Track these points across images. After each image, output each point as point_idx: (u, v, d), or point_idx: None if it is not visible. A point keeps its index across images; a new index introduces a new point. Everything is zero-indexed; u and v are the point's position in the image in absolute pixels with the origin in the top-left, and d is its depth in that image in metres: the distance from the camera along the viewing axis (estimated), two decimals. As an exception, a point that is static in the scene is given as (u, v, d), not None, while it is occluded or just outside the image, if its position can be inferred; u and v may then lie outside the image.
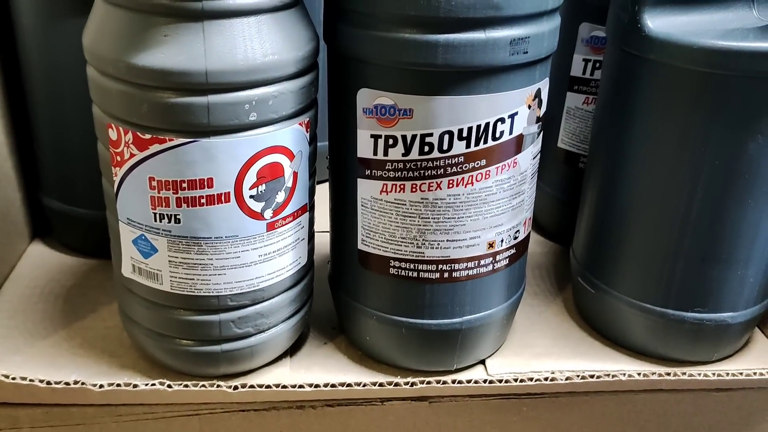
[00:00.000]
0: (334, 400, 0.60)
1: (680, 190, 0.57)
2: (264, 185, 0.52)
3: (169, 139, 0.49)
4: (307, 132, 0.54)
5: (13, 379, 0.56)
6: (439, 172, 0.53)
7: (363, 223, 0.57)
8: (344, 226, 0.59)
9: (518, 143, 0.55)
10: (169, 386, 0.57)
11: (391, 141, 0.53)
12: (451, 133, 0.52)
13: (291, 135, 0.52)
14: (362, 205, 0.57)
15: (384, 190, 0.55)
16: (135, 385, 0.57)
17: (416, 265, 0.57)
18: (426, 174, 0.54)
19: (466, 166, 0.53)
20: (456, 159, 0.53)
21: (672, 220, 0.59)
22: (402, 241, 0.56)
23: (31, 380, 0.56)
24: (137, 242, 0.54)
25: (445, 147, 0.53)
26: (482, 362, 0.63)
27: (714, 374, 0.61)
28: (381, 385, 0.59)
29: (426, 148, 0.53)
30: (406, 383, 0.59)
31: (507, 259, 0.59)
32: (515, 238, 0.59)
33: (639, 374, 0.61)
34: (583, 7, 0.71)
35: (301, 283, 0.60)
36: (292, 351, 0.63)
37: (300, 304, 0.61)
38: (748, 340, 0.66)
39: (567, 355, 0.64)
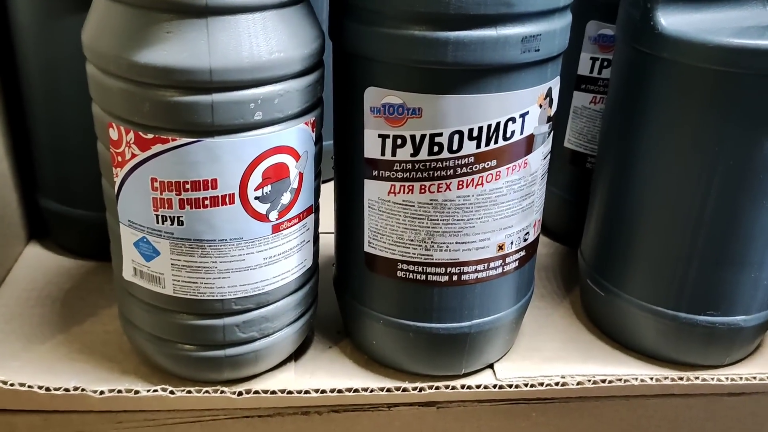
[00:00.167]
0: (341, 406, 0.59)
1: (693, 191, 0.56)
2: (269, 186, 0.51)
3: (172, 139, 0.48)
4: (313, 132, 0.53)
5: (12, 385, 0.55)
6: (448, 173, 0.52)
7: (370, 225, 0.56)
8: (350, 228, 0.58)
9: (529, 143, 0.54)
10: (172, 392, 0.56)
11: (399, 141, 0.52)
12: (461, 133, 0.51)
13: (297, 135, 0.51)
14: (369, 207, 0.55)
15: (392, 191, 0.54)
16: (137, 392, 0.56)
17: (424, 267, 0.56)
18: (435, 175, 0.52)
19: (476, 167, 0.52)
20: (466, 159, 0.52)
21: (685, 221, 0.57)
22: (410, 244, 0.55)
23: (29, 386, 0.55)
24: (139, 245, 0.53)
25: (455, 147, 0.51)
26: (490, 366, 0.62)
27: (727, 379, 0.60)
28: (389, 390, 0.58)
29: (435, 149, 0.51)
30: (414, 388, 0.58)
31: (516, 262, 0.58)
32: (525, 240, 0.58)
33: (651, 379, 0.59)
34: (591, 5, 0.70)
35: (306, 286, 0.59)
36: (296, 355, 0.62)
37: (305, 307, 0.59)
38: (759, 343, 0.65)
39: (576, 359, 0.63)
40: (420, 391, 0.58)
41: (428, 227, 0.54)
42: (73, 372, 0.58)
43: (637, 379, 0.59)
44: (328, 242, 0.64)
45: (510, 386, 0.59)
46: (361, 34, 0.51)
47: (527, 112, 0.52)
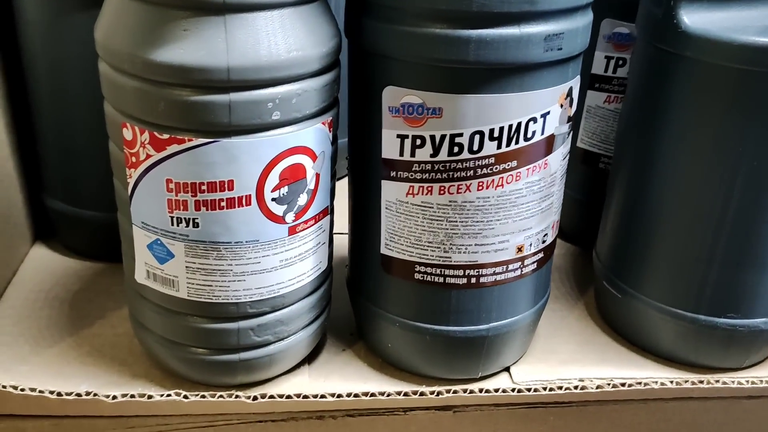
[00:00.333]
0: (356, 410, 0.58)
1: (715, 192, 0.55)
2: (286, 187, 0.50)
3: (188, 140, 0.47)
4: (329, 132, 0.52)
5: (22, 390, 0.54)
6: (468, 174, 0.51)
7: (387, 227, 0.55)
8: (365, 229, 0.57)
9: (549, 144, 0.53)
10: (186, 397, 0.55)
11: (418, 141, 0.51)
12: (481, 134, 0.50)
13: (314, 135, 0.50)
14: (386, 208, 0.54)
15: (410, 192, 0.53)
16: (150, 396, 0.55)
17: (443, 270, 0.55)
18: (455, 176, 0.51)
19: (496, 168, 0.51)
20: (486, 160, 0.51)
21: (706, 223, 0.56)
22: (428, 246, 0.54)
23: (40, 391, 0.54)
24: (152, 247, 0.52)
25: (476, 148, 0.50)
26: (506, 369, 0.61)
27: (747, 382, 0.59)
28: (406, 394, 0.57)
29: (455, 149, 0.50)
30: (432, 392, 0.57)
31: (535, 264, 0.57)
32: (543, 241, 0.57)
33: (672, 382, 0.59)
34: (606, 3, 0.69)
35: (321, 288, 0.58)
36: (310, 358, 0.61)
37: (320, 310, 0.58)
38: (778, 345, 0.64)
39: (593, 362, 0.62)
40: (437, 395, 0.57)
41: (447, 229, 0.53)
42: (83, 376, 0.57)
43: (657, 382, 0.58)
44: (339, 243, 0.63)
45: (529, 390, 0.58)
46: (380, 32, 0.50)
47: (548, 112, 0.51)
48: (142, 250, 0.52)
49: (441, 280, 0.55)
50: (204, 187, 0.48)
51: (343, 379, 0.59)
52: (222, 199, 0.49)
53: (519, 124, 0.50)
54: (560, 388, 0.58)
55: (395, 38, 0.49)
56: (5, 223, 0.67)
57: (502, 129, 0.50)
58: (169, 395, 0.55)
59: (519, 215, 0.54)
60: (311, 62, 0.48)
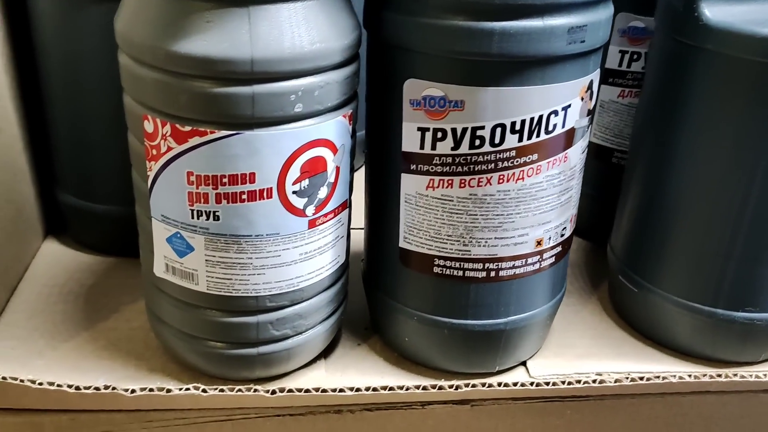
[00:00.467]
0: (374, 404, 0.58)
1: (735, 187, 0.55)
2: (307, 180, 0.50)
3: (210, 132, 0.46)
4: (350, 124, 0.52)
5: (40, 384, 0.53)
6: (489, 167, 0.51)
7: (405, 220, 0.55)
8: (383, 223, 0.57)
9: (569, 137, 0.52)
10: (204, 391, 0.54)
11: (439, 134, 0.51)
12: (503, 126, 0.50)
13: (335, 127, 0.50)
14: (405, 201, 0.54)
15: (430, 185, 0.52)
16: (168, 390, 0.54)
17: (462, 263, 0.54)
18: (476, 169, 0.51)
19: (517, 161, 0.51)
20: (507, 153, 0.51)
21: (725, 217, 0.56)
22: (447, 239, 0.54)
23: (59, 385, 0.53)
24: (172, 240, 0.51)
25: (497, 140, 0.50)
26: (523, 364, 0.61)
27: (765, 375, 0.59)
28: (424, 388, 0.57)
29: (477, 142, 0.50)
30: (451, 386, 0.57)
31: (553, 258, 0.57)
32: (562, 235, 0.57)
33: (690, 376, 0.59)
34: (621, -4, 0.69)
35: (338, 282, 0.57)
36: (326, 353, 0.61)
37: (337, 304, 0.58)
38: (794, 339, 0.64)
39: (609, 356, 0.62)
40: (456, 389, 0.57)
41: (467, 222, 0.53)
42: (99, 370, 0.57)
43: (675, 376, 0.58)
44: (354, 237, 0.62)
45: (547, 384, 0.58)
46: (401, 24, 0.49)
47: (569, 105, 0.51)
48: (161, 244, 0.52)
49: (460, 273, 0.55)
50: (225, 180, 0.48)
51: (360, 373, 0.59)
52: (243, 192, 0.48)
53: (540, 117, 0.50)
54: (578, 381, 0.58)
55: (417, 31, 0.49)
56: (18, 217, 0.67)
57: (523, 122, 0.50)
58: (188, 389, 0.55)
59: (539, 209, 0.53)
60: (334, 54, 0.47)
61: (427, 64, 0.49)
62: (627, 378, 0.58)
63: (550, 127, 0.51)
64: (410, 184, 0.53)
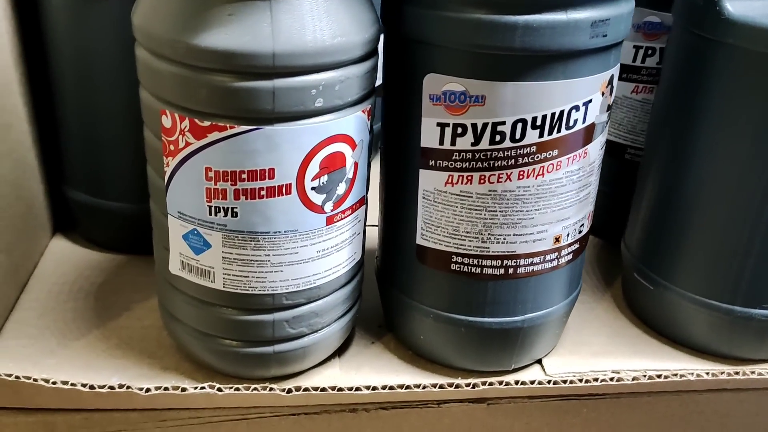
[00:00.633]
0: (389, 403, 0.57)
1: (755, 184, 0.55)
2: (326, 176, 0.49)
3: (230, 127, 0.46)
4: (368, 120, 0.51)
5: (54, 383, 0.53)
6: (509, 163, 0.50)
7: (423, 217, 0.54)
8: (400, 220, 0.56)
9: (589, 132, 0.52)
10: (219, 390, 0.54)
11: (459, 130, 0.50)
12: (524, 122, 0.49)
13: (354, 123, 0.49)
14: (423, 198, 0.53)
15: (449, 181, 0.52)
16: (183, 389, 0.54)
17: (480, 260, 0.54)
18: (496, 165, 0.51)
19: (537, 157, 0.51)
20: (528, 149, 0.50)
21: (744, 214, 0.56)
22: (466, 236, 0.53)
23: (72, 384, 0.53)
24: (188, 237, 0.51)
25: (518, 136, 0.50)
26: (538, 362, 0.61)
27: (783, 373, 0.59)
28: (441, 387, 0.56)
29: (497, 137, 0.50)
30: (467, 385, 0.56)
31: (571, 254, 0.56)
32: (580, 232, 0.56)
33: (707, 374, 0.58)
34: (636, -9, 0.68)
35: (354, 279, 0.57)
36: (340, 351, 0.60)
37: (353, 301, 0.58)
38: (809, 336, 0.64)
39: (625, 354, 0.62)
40: (473, 387, 0.56)
41: (486, 219, 0.52)
42: (112, 369, 0.56)
43: (693, 374, 0.58)
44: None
45: (564, 382, 0.57)
46: (421, 18, 0.49)
47: (590, 100, 0.50)
48: (178, 241, 0.51)
49: (478, 270, 0.54)
50: (244, 176, 0.47)
51: (374, 371, 0.59)
52: (262, 188, 0.48)
53: (561, 112, 0.50)
54: (596, 380, 0.58)
55: (438, 24, 0.48)
56: (27, 214, 0.66)
57: (544, 117, 0.49)
58: (203, 388, 0.54)
59: (558, 205, 0.53)
60: (355, 48, 0.47)
61: (447, 58, 0.49)
62: (644, 376, 0.58)
63: (571, 123, 0.50)
64: (428, 181, 0.53)
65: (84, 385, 0.53)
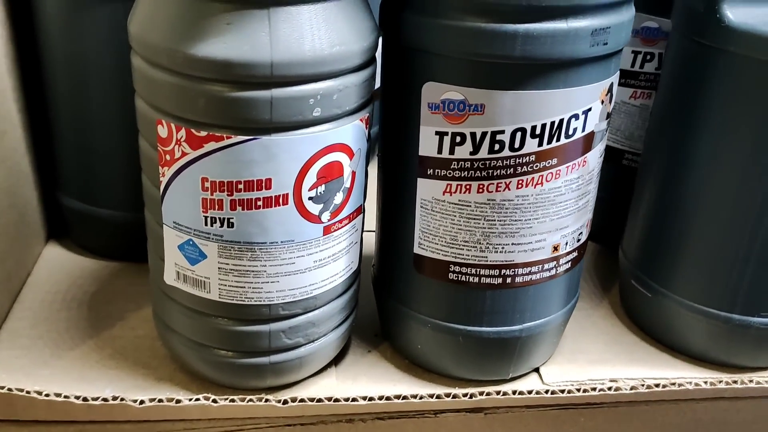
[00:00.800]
0: (386, 413, 0.57)
1: (754, 191, 0.55)
2: (323, 186, 0.49)
3: (227, 137, 0.45)
4: (366, 129, 0.51)
5: (47, 395, 0.52)
6: (508, 172, 0.50)
7: (421, 226, 0.54)
8: (397, 228, 0.56)
9: (588, 141, 0.52)
10: (215, 401, 0.53)
11: (458, 138, 0.50)
12: (523, 131, 0.49)
13: (352, 132, 0.49)
14: (421, 207, 0.53)
15: (447, 190, 0.51)
16: (178, 401, 0.53)
17: (478, 269, 0.53)
18: (494, 174, 0.50)
19: (536, 166, 0.50)
20: (527, 158, 0.50)
21: (743, 222, 0.56)
22: (464, 245, 0.53)
23: (66, 397, 0.52)
24: (184, 248, 0.50)
25: (517, 145, 0.49)
26: (536, 370, 0.60)
27: (782, 381, 0.59)
28: (438, 396, 0.56)
29: (496, 146, 0.49)
30: (465, 394, 0.56)
31: (569, 263, 0.56)
32: (578, 240, 0.56)
33: (705, 382, 0.58)
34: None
35: (351, 288, 0.56)
36: (336, 360, 0.60)
37: (349, 311, 0.57)
38: (807, 344, 0.64)
39: (623, 362, 0.61)
40: (471, 397, 0.56)
41: (484, 228, 0.52)
42: (106, 380, 0.56)
43: (691, 382, 0.58)
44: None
45: (562, 391, 0.57)
46: (421, 26, 0.48)
47: (590, 109, 0.50)
48: (173, 251, 0.51)
49: (476, 280, 0.54)
50: (241, 186, 0.47)
51: (371, 381, 0.58)
52: (259, 199, 0.47)
53: (561, 120, 0.49)
54: (593, 389, 0.57)
55: (437, 33, 0.48)
56: (21, 222, 0.65)
57: (544, 126, 0.49)
58: (197, 399, 0.53)
59: (557, 213, 0.53)
60: (353, 57, 0.46)
61: (446, 67, 0.48)
62: (642, 385, 0.58)
63: (571, 131, 0.50)
64: (427, 189, 0.52)
65: (77, 398, 0.52)
